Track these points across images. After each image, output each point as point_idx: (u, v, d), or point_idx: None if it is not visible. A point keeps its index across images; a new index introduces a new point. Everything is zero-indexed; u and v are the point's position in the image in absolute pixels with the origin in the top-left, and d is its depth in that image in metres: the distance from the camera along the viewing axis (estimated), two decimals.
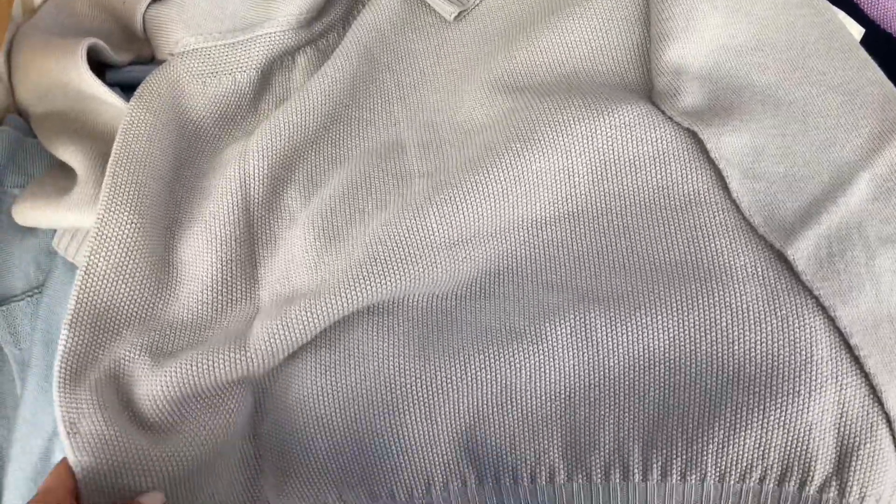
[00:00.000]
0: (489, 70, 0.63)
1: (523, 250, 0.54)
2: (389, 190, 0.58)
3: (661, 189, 0.55)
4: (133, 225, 0.56)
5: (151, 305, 0.55)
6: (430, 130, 0.62)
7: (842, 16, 0.67)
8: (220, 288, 0.56)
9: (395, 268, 0.52)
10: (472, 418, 0.51)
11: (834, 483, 0.48)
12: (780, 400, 0.49)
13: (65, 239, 0.62)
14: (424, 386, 0.51)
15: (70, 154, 0.62)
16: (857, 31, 0.68)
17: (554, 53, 0.62)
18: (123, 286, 0.54)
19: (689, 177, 0.55)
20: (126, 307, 0.54)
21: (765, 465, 0.49)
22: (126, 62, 0.69)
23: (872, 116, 0.59)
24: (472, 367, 0.51)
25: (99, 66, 0.68)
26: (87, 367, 0.50)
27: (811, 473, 0.48)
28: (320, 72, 0.65)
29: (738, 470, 0.49)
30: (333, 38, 0.71)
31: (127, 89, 0.67)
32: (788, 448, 0.49)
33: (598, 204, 0.55)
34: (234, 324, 0.54)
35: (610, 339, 0.51)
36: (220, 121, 0.66)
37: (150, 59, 0.71)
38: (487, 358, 0.51)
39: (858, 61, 0.61)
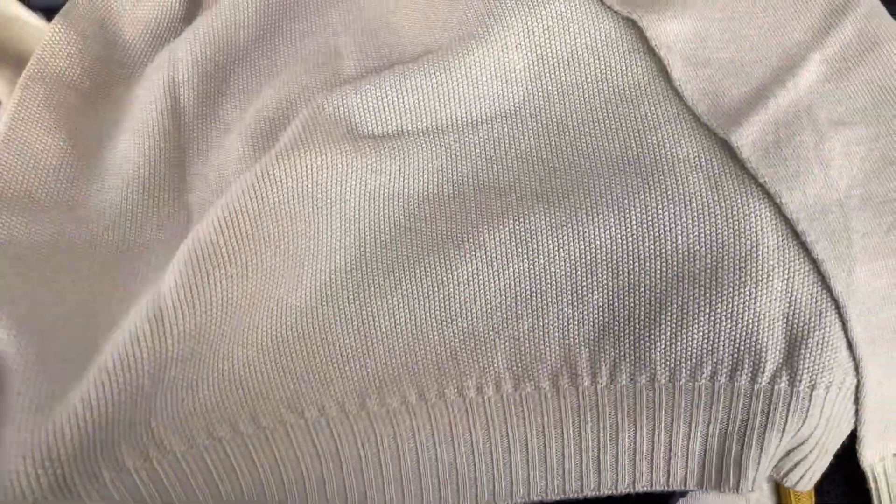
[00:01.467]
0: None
1: (461, 150, 0.52)
2: (325, 90, 0.56)
3: (600, 82, 0.53)
4: (45, 128, 0.55)
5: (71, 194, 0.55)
6: (366, 35, 0.59)
7: None
8: (146, 185, 0.55)
9: (322, 158, 0.50)
10: (410, 333, 0.49)
11: (784, 373, 0.47)
12: (726, 292, 0.47)
13: None
14: (358, 300, 0.49)
15: None
16: None
17: None
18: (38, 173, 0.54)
19: (630, 68, 0.53)
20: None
21: (714, 360, 0.48)
22: None
23: None
24: (408, 279, 0.49)
25: None
26: None
27: (761, 365, 0.47)
28: None
29: (688, 367, 0.48)
30: None
31: (52, 14, 0.65)
32: (737, 341, 0.47)
33: (537, 100, 0.53)
34: (158, 232, 0.53)
35: (551, 242, 0.49)
36: (151, 42, 0.64)
37: None
38: (424, 269, 0.49)
39: None
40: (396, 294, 0.49)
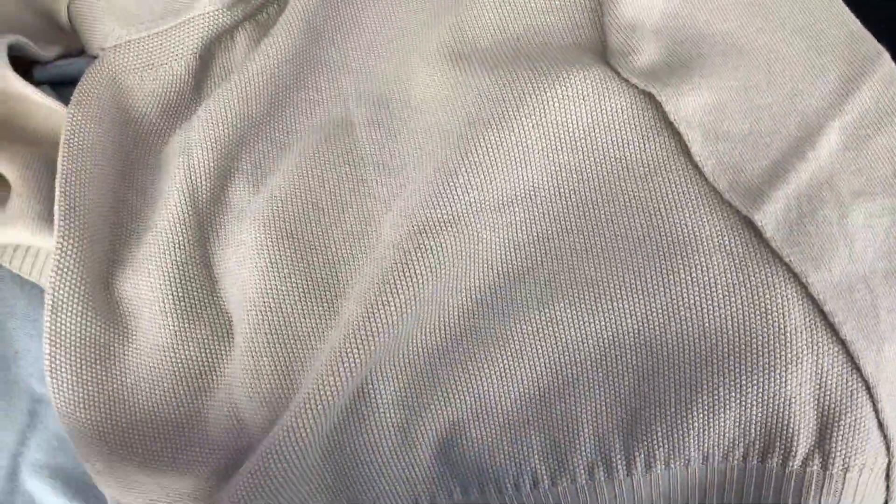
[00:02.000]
0: (437, 35, 0.59)
1: (485, 236, 0.51)
2: (343, 181, 0.55)
3: (618, 160, 0.52)
4: (89, 251, 0.54)
5: (116, 338, 0.54)
6: (380, 107, 0.59)
7: None
8: (180, 305, 0.54)
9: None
10: (448, 432, 0.49)
11: (817, 455, 0.47)
12: (756, 376, 0.47)
13: (7, 253, 0.60)
14: (397, 405, 0.49)
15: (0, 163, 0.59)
16: None
17: (501, 12, 0.58)
18: (93, 319, 0.53)
19: (648, 144, 0.52)
20: (98, 336, 0.53)
21: (746, 441, 0.47)
22: (53, 57, 0.65)
23: (839, 59, 0.56)
24: (443, 378, 0.49)
25: (23, 63, 0.65)
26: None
27: (793, 448, 0.47)
28: (259, 51, 0.62)
29: (721, 449, 0.48)
30: (273, 9, 0.68)
31: (57, 85, 0.64)
32: (769, 424, 0.47)
33: (555, 180, 0.52)
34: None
35: (577, 331, 0.49)
36: (163, 114, 0.63)
37: (80, 52, 0.67)
38: (457, 367, 0.49)
39: (823, 0, 0.58)
40: (434, 395, 0.49)
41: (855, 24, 0.57)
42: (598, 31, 0.57)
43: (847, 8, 0.58)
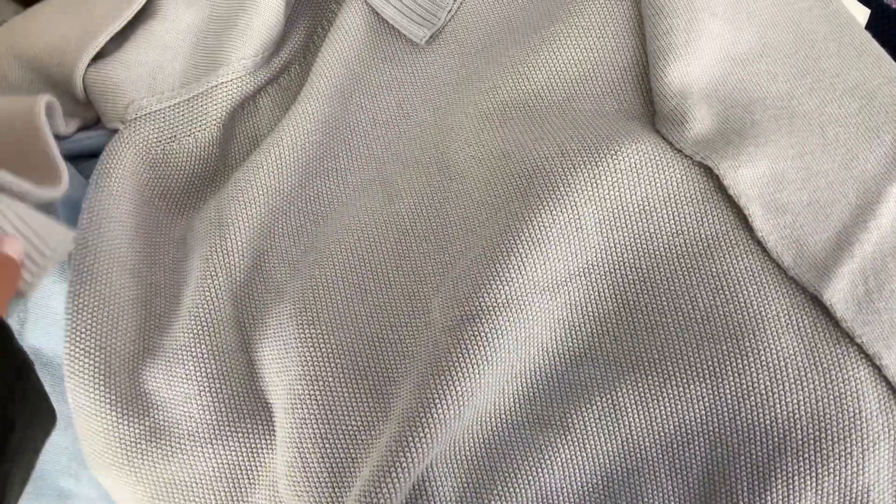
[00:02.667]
0: (474, 100, 0.57)
1: (540, 318, 0.49)
2: (387, 257, 0.53)
3: (676, 234, 0.50)
4: (105, 347, 0.51)
5: (144, 436, 0.52)
6: (418, 172, 0.57)
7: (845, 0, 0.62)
8: (218, 397, 0.52)
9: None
10: None
11: None
12: (832, 464, 0.45)
13: None
14: (458, 502, 0.47)
15: None
16: (863, 12, 0.62)
17: (542, 79, 0.56)
18: (119, 417, 0.51)
19: (706, 218, 0.50)
20: (125, 434, 0.51)
21: None
22: (72, 131, 0.62)
23: (893, 120, 0.54)
24: (504, 471, 0.47)
25: None
26: None
27: None
28: (288, 120, 0.60)
29: None
30: (295, 71, 0.65)
31: (75, 159, 0.61)
32: None
33: (611, 255, 0.50)
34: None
35: (642, 417, 0.47)
36: (189, 187, 0.60)
37: (96, 123, 0.64)
38: (517, 458, 0.47)
39: (872, 57, 0.56)
40: (496, 491, 0.46)
41: None
42: (644, 94, 0.55)
43: None
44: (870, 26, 0.61)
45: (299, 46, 0.66)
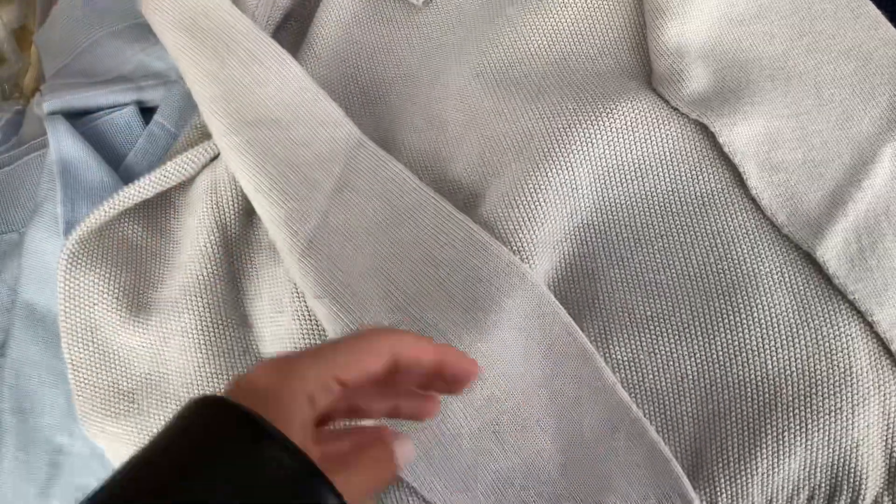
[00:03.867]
0: (470, 60, 0.57)
1: (537, 275, 0.49)
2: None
3: (671, 192, 0.50)
4: (95, 306, 0.52)
5: (140, 389, 0.52)
6: (415, 134, 0.57)
7: None
8: (213, 351, 0.52)
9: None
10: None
11: (886, 498, 0.46)
12: (822, 419, 0.45)
13: None
14: None
15: None
16: None
17: (538, 39, 0.56)
18: (112, 368, 0.51)
19: (702, 175, 0.50)
20: (120, 384, 0.51)
21: (812, 486, 0.46)
22: None
23: (889, 82, 0.54)
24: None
25: None
26: None
27: (861, 491, 0.46)
28: None
29: (785, 494, 0.46)
30: (292, 28, 0.65)
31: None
32: (835, 467, 0.45)
33: (606, 214, 0.51)
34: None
35: (635, 373, 0.47)
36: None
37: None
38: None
39: (869, 19, 0.56)
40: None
41: None
42: (641, 53, 0.55)
43: (893, 27, 0.56)
44: None
45: (298, 1, 0.66)
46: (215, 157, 0.57)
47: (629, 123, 0.50)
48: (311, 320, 0.50)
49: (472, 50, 0.57)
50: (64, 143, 0.57)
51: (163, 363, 0.53)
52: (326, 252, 0.49)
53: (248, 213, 0.55)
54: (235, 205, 0.54)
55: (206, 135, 0.58)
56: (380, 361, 0.33)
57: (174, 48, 0.55)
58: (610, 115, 0.50)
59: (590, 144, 0.50)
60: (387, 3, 0.63)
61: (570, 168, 0.50)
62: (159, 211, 0.57)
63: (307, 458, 0.29)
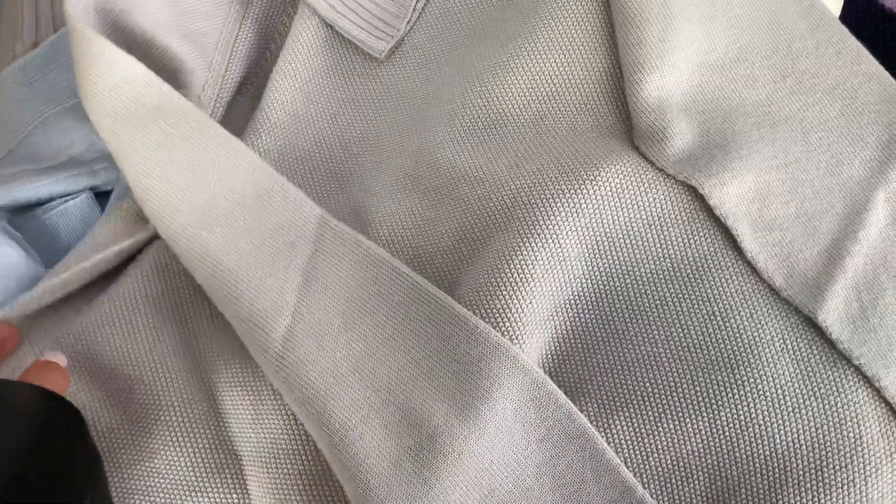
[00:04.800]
0: (442, 120, 0.54)
1: (533, 355, 0.47)
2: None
3: (663, 258, 0.48)
4: None
5: None
6: (390, 200, 0.54)
7: None
8: (182, 449, 0.49)
9: None
10: None
11: None
12: (834, 494, 0.44)
13: None
14: None
15: None
16: (836, 2, 0.60)
17: (512, 97, 0.53)
18: None
19: (693, 239, 0.48)
20: None
21: None
22: None
23: (877, 121, 0.53)
24: None
25: None
26: None
27: None
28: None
29: None
30: (249, 92, 0.62)
31: None
32: None
33: (597, 285, 0.48)
34: None
35: (638, 452, 0.46)
36: None
37: None
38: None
39: (851, 53, 0.54)
40: None
41: (887, 78, 0.54)
42: (621, 107, 0.53)
43: (876, 61, 0.54)
44: (844, 18, 0.59)
45: (253, 63, 0.62)
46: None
47: (615, 189, 0.48)
48: (295, 420, 0.47)
49: (442, 111, 0.55)
50: None
51: (132, 468, 0.50)
52: (302, 353, 0.46)
53: (205, 297, 0.52)
54: (190, 288, 0.52)
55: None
56: None
57: (112, 140, 0.51)
58: (594, 181, 0.48)
59: (576, 214, 0.48)
60: (346, 56, 0.60)
61: (556, 239, 0.47)
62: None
63: None
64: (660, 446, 0.46)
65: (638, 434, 0.46)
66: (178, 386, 0.50)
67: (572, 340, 0.48)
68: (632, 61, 0.51)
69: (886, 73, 0.54)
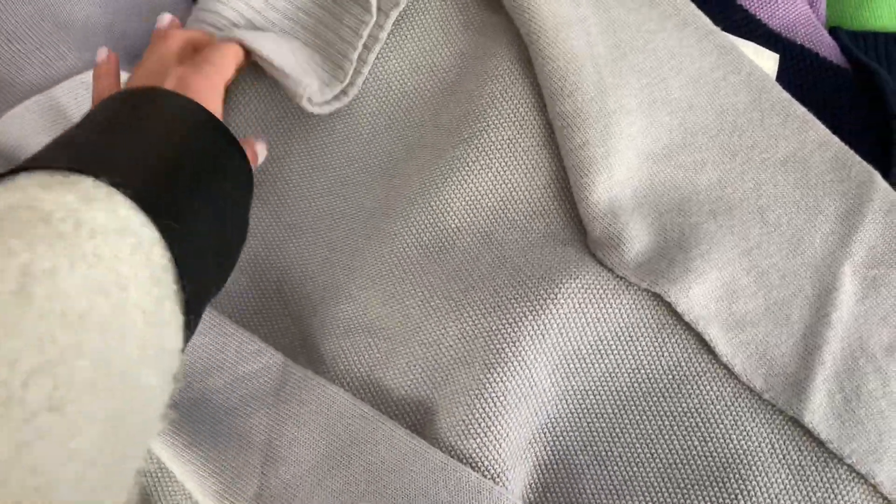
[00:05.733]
0: (388, 242, 0.51)
1: (514, 487, 0.45)
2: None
3: (636, 370, 0.47)
4: None
5: None
6: (346, 339, 0.51)
7: (752, 50, 0.58)
8: None
9: None
10: None
11: None
12: None
13: None
14: None
15: None
16: (772, 58, 0.59)
17: (457, 213, 0.51)
18: None
19: (665, 348, 0.47)
20: None
21: None
22: None
23: (832, 191, 0.51)
24: None
25: None
26: None
27: None
28: None
29: None
30: None
31: None
32: None
33: (573, 405, 0.46)
34: None
35: None
36: None
37: None
38: None
39: (797, 121, 0.53)
40: None
41: (836, 143, 0.52)
42: (569, 214, 0.51)
43: (823, 126, 0.53)
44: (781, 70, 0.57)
45: None
46: None
47: (578, 305, 0.46)
48: None
49: (388, 232, 0.52)
50: None
51: None
52: None
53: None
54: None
55: None
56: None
57: None
58: (555, 300, 0.46)
59: (541, 336, 0.46)
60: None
61: (525, 366, 0.45)
62: None
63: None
64: None
65: None
66: None
67: (555, 467, 0.46)
68: (577, 164, 0.49)
69: (835, 139, 0.53)
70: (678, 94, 0.52)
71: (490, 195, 0.51)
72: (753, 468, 0.44)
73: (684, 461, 0.45)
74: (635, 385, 0.46)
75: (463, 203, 0.51)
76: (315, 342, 0.51)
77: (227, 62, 0.47)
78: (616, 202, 0.49)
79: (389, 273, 0.51)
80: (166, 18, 0.50)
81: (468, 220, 0.51)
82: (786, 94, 0.54)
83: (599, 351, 0.47)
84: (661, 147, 0.51)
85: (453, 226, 0.51)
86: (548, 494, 0.46)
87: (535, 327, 0.45)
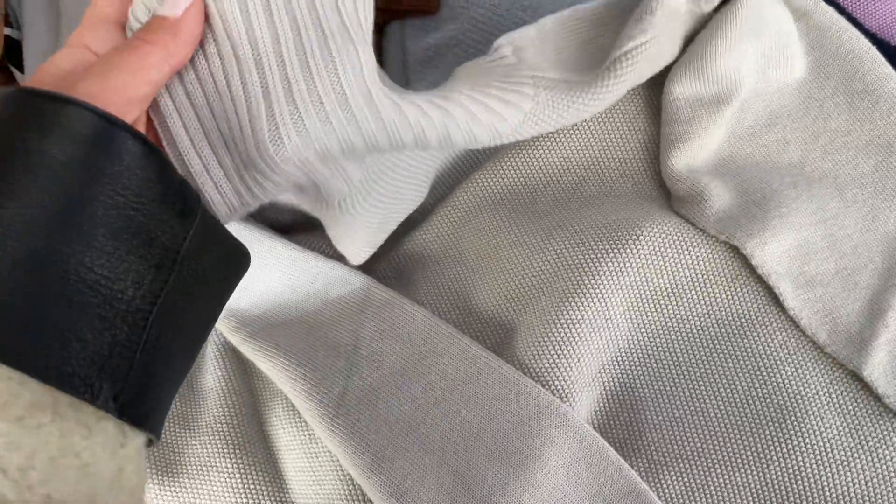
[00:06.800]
0: (478, 188, 0.56)
1: (582, 412, 0.49)
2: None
3: (708, 315, 0.50)
4: None
5: None
6: (433, 266, 0.56)
7: None
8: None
9: None
10: None
11: None
12: None
13: None
14: None
15: None
16: None
17: (552, 164, 0.55)
18: None
19: (738, 296, 0.50)
20: None
21: None
22: None
23: None
24: None
25: None
26: None
27: None
28: None
29: None
30: None
31: None
32: None
33: (644, 341, 0.50)
34: None
35: None
36: None
37: None
38: None
39: (887, 103, 0.55)
40: None
41: None
42: (657, 177, 0.55)
43: None
44: None
45: None
46: None
47: (658, 248, 0.50)
48: (352, 481, 0.49)
49: (480, 177, 0.56)
50: None
51: None
52: (355, 418, 0.48)
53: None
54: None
55: None
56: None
57: None
58: (637, 242, 0.50)
59: (620, 273, 0.49)
60: None
61: (601, 298, 0.49)
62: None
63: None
64: (711, 500, 0.47)
65: (688, 489, 0.47)
66: (249, 462, 0.52)
67: (621, 397, 0.49)
68: (667, 133, 0.53)
69: None
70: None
71: (584, 152, 0.55)
72: (810, 413, 0.47)
73: (745, 400, 0.48)
74: (705, 328, 0.50)
75: (557, 157, 0.55)
76: (406, 268, 0.56)
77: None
78: (696, 169, 0.52)
79: (480, 214, 0.55)
80: None
81: (559, 172, 0.55)
82: (884, 71, 0.55)
83: (675, 293, 0.50)
84: (745, 127, 0.55)
85: (545, 177, 0.55)
86: (611, 422, 0.49)
87: (615, 264, 0.49)
